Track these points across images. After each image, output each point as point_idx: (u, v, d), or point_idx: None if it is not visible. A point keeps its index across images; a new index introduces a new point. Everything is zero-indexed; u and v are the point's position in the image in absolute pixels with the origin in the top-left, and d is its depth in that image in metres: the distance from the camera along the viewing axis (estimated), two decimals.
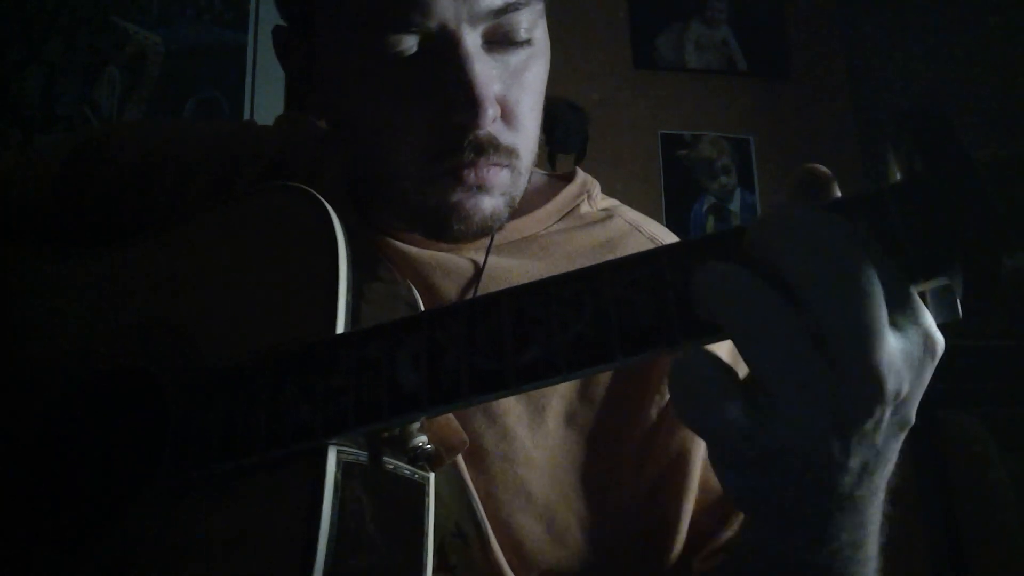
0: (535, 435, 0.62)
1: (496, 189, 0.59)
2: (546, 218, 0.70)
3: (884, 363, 0.33)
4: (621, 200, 0.77)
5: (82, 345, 0.58)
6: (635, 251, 0.68)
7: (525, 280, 0.64)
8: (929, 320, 0.35)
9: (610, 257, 0.67)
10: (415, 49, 0.55)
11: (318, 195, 0.55)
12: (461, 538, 0.57)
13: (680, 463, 0.62)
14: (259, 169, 0.71)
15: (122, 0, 2.13)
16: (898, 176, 0.37)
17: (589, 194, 0.73)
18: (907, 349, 0.34)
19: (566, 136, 2.15)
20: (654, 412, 0.63)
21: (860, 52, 2.48)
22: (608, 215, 0.72)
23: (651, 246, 0.69)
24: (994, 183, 0.33)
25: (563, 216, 0.71)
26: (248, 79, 2.14)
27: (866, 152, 2.38)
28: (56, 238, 0.71)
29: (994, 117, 2.05)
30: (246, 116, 2.11)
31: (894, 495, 0.46)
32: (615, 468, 0.63)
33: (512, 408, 0.61)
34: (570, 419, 0.63)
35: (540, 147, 0.64)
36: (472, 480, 0.59)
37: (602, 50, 2.39)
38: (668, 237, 0.72)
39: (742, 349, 0.34)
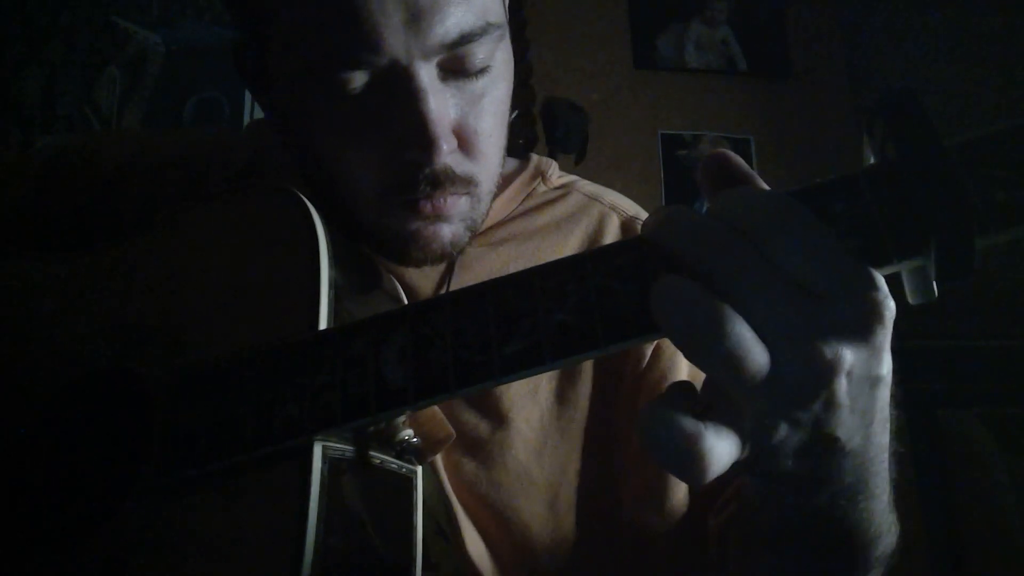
0: (530, 417, 0.63)
1: (455, 217, 0.58)
2: (504, 206, 0.71)
3: (808, 347, 0.33)
4: None
5: (65, 347, 0.57)
6: (597, 221, 0.71)
7: (496, 268, 0.66)
8: (875, 288, 0.34)
9: (573, 230, 0.70)
10: (366, 84, 0.53)
11: (300, 194, 0.55)
12: (441, 535, 0.57)
13: None
14: (228, 176, 0.71)
15: (122, 0, 2.14)
16: (872, 160, 0.37)
17: (544, 174, 0.75)
18: (843, 321, 0.34)
19: (566, 136, 2.15)
20: (635, 368, 0.65)
21: (860, 52, 2.47)
22: (566, 191, 0.74)
23: (612, 215, 0.71)
24: (965, 165, 0.34)
25: (522, 200, 0.72)
26: None
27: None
28: (35, 242, 0.71)
29: (994, 117, 2.05)
30: (246, 116, 2.12)
31: (894, 494, 0.46)
32: (608, 436, 0.64)
33: (504, 393, 0.62)
34: (561, 396, 0.64)
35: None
36: (474, 472, 0.60)
37: (602, 50, 2.39)
38: (630, 205, 0.74)
39: (687, 357, 0.35)
